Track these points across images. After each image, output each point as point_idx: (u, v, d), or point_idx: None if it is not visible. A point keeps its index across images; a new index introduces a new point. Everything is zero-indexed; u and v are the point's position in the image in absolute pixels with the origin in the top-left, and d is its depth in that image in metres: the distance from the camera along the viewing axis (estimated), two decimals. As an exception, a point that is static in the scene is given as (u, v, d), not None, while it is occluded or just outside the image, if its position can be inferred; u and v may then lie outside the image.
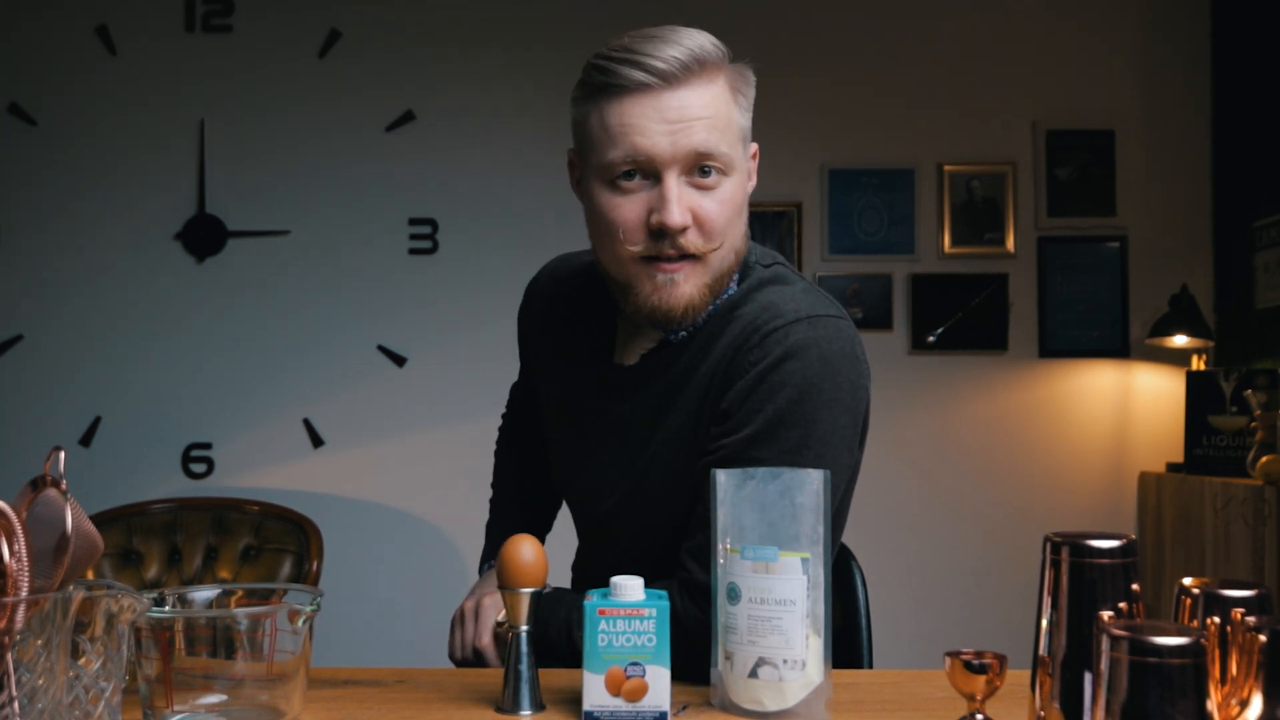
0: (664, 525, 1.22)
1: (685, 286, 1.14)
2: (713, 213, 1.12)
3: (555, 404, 1.37)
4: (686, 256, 1.13)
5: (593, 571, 1.36)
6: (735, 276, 1.21)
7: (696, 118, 1.10)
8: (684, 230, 1.11)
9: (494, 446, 1.65)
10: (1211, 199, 3.27)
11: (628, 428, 1.25)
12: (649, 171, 1.11)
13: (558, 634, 1.21)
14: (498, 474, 1.60)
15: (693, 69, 1.10)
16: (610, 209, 1.14)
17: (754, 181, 1.23)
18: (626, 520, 1.27)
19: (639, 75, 1.09)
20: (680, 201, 1.10)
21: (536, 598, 1.03)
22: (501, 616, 1.29)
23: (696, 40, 1.11)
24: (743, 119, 1.16)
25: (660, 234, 1.11)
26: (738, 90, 1.15)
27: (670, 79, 1.09)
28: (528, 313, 1.44)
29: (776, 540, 0.98)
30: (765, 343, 1.14)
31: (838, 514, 1.23)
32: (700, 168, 1.12)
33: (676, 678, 1.02)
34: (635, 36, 1.12)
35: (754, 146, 1.21)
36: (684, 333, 1.21)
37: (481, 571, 1.46)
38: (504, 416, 1.64)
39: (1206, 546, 2.80)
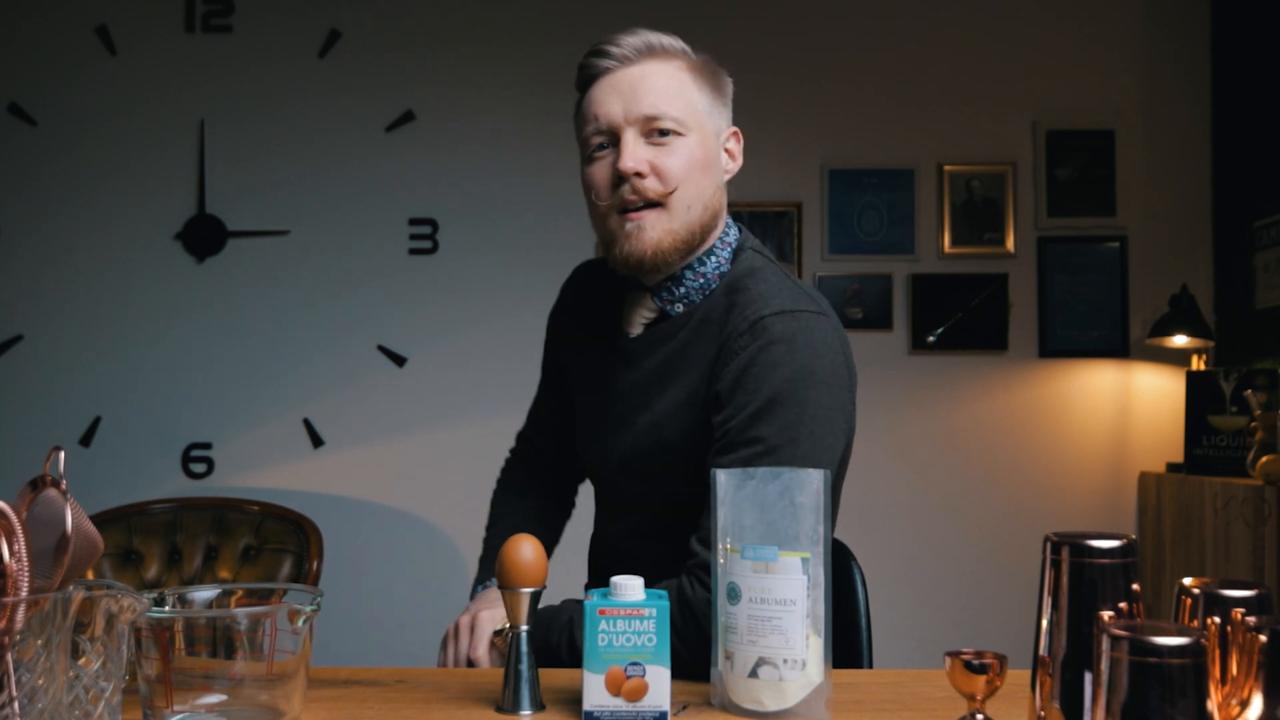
0: (661, 488, 1.31)
1: (651, 232, 1.25)
2: (668, 164, 1.24)
3: (578, 379, 1.47)
4: (651, 205, 1.25)
5: (604, 540, 1.44)
6: (728, 252, 1.32)
7: (648, 89, 1.25)
8: (641, 176, 1.23)
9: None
10: (1211, 199, 3.27)
11: (631, 394, 1.34)
12: (613, 138, 1.26)
13: (558, 641, 1.22)
14: (496, 518, 1.57)
15: (645, 52, 1.27)
16: (588, 176, 1.29)
17: (738, 163, 1.35)
18: (629, 481, 1.35)
19: (603, 62, 1.27)
20: (635, 153, 1.23)
21: (536, 598, 1.03)
22: (500, 626, 1.30)
23: (655, 34, 1.28)
24: (702, 98, 1.29)
25: (621, 180, 1.24)
26: (698, 72, 1.29)
27: (625, 60, 1.26)
28: (559, 308, 1.55)
29: (776, 540, 0.98)
30: (754, 329, 1.23)
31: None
32: (658, 130, 1.25)
33: (680, 674, 1.02)
34: (605, 37, 1.29)
35: (734, 130, 1.34)
36: (680, 306, 1.32)
37: (474, 593, 1.46)
38: (511, 454, 1.65)
39: (1206, 546, 2.80)
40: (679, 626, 1.14)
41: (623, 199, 1.25)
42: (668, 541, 1.29)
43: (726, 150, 1.33)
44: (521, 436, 1.65)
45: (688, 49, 1.30)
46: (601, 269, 1.46)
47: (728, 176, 1.33)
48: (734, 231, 1.35)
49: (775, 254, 3.22)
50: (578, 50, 3.66)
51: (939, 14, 3.27)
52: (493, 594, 1.38)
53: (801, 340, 1.21)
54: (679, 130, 1.25)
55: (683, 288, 1.31)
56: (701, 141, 1.27)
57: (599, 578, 1.45)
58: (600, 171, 1.27)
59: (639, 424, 1.32)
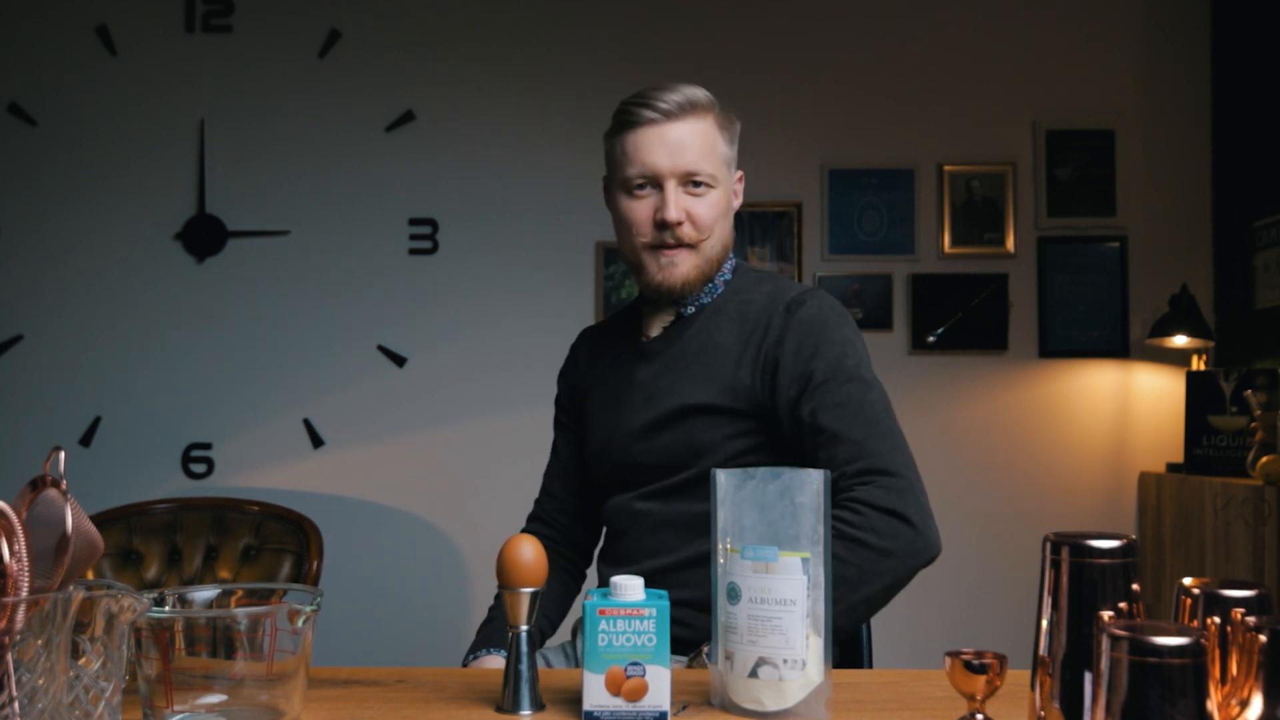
0: (687, 458, 1.45)
1: (681, 268, 1.48)
2: (701, 212, 1.47)
3: (595, 394, 1.62)
4: (683, 246, 1.47)
5: (618, 508, 1.52)
6: (727, 273, 1.56)
7: (689, 144, 1.45)
8: (679, 224, 1.46)
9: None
10: (1211, 199, 3.27)
11: (652, 380, 1.51)
12: (655, 182, 1.46)
13: None
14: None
15: (686, 109, 1.45)
16: (629, 210, 1.49)
17: (739, 200, 1.57)
18: (648, 446, 1.48)
19: (648, 113, 1.45)
20: (677, 204, 1.45)
21: (536, 597, 1.03)
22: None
23: (692, 90, 1.47)
24: (726, 149, 1.50)
25: (663, 226, 1.46)
26: (722, 128, 1.50)
27: (670, 115, 1.45)
28: (568, 363, 1.71)
29: (777, 540, 0.98)
30: (788, 312, 1.44)
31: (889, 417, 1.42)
32: (693, 180, 1.46)
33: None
34: (648, 88, 1.47)
35: (739, 173, 1.56)
36: (692, 308, 1.53)
37: (466, 662, 1.52)
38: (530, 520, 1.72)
39: (1206, 546, 2.80)
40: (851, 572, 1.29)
41: (661, 240, 1.47)
42: (679, 496, 1.45)
43: (734, 190, 1.55)
44: (533, 518, 1.71)
45: (713, 99, 1.49)
46: (612, 319, 1.70)
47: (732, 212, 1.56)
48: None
49: (776, 254, 3.24)
50: (577, 50, 3.65)
51: (939, 14, 3.27)
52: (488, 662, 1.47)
53: (827, 304, 1.47)
54: (710, 183, 1.47)
55: (694, 291, 1.52)
56: (725, 192, 1.50)
57: (615, 541, 1.55)
58: (643, 210, 1.47)
59: (661, 397, 1.49)
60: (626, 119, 1.47)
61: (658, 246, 1.47)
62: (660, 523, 1.46)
